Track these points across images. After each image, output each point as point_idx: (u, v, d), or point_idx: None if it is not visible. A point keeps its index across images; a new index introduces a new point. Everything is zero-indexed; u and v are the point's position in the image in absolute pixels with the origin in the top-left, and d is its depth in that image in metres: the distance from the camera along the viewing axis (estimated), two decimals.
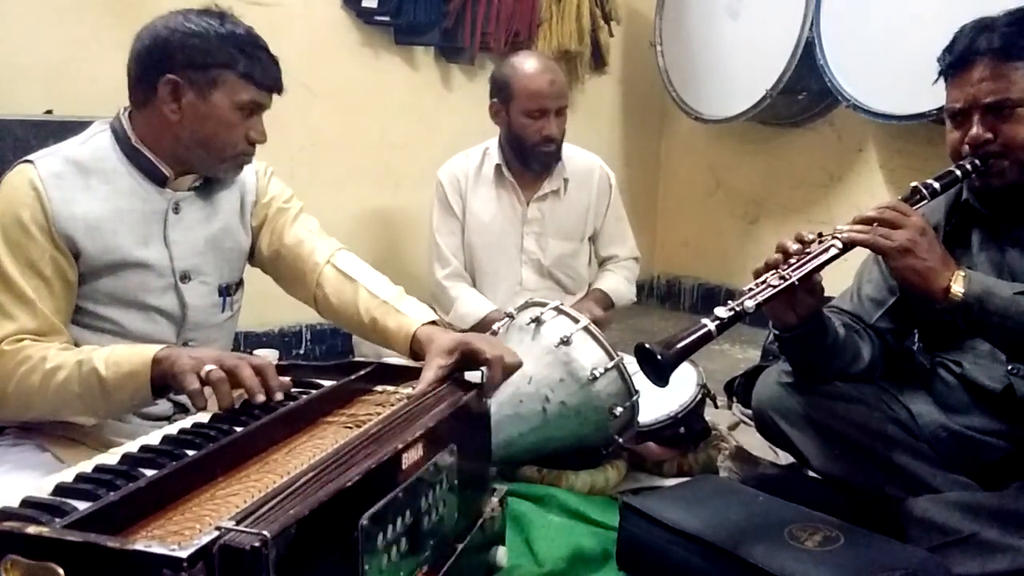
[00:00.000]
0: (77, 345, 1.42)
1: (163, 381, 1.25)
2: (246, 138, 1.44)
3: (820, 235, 1.39)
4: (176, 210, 1.47)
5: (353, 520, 0.90)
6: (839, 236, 1.36)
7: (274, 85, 1.45)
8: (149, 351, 1.26)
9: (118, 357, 1.27)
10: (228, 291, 1.57)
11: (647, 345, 1.25)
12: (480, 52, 3.12)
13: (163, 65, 1.37)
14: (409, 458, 1.02)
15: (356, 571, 0.90)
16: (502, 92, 2.30)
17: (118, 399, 1.28)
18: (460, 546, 1.17)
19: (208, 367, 1.19)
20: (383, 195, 3.03)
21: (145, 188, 1.44)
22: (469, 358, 1.32)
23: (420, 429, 1.07)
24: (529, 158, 2.31)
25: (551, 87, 2.26)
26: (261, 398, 1.18)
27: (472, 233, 2.41)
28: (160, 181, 1.44)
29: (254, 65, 1.40)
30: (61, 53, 2.27)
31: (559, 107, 2.27)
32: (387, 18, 2.86)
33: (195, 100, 1.38)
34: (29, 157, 1.38)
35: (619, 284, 2.49)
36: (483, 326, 2.21)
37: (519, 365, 1.34)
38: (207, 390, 1.18)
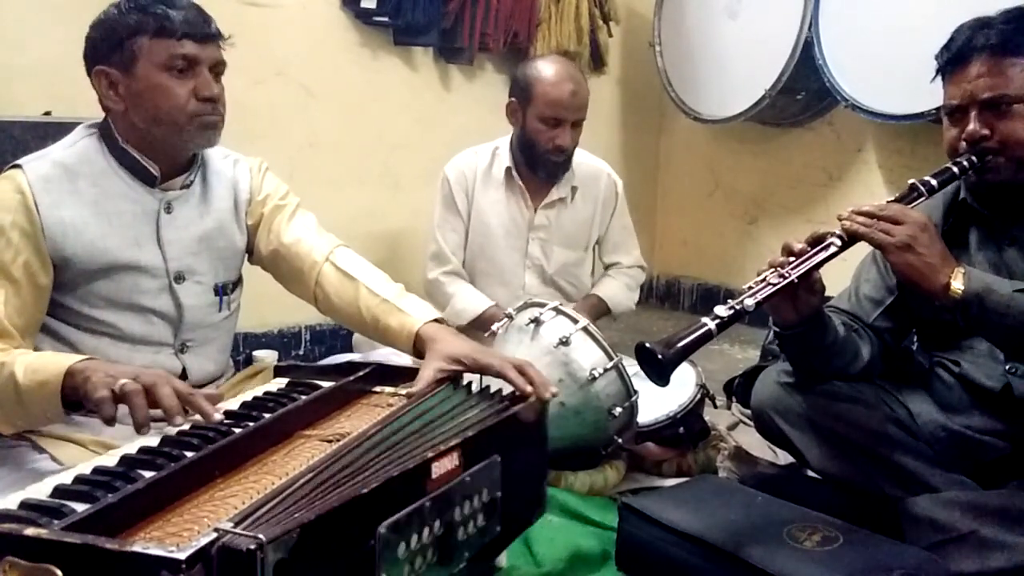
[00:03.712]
0: (75, 350, 1.42)
1: (76, 395, 1.17)
2: (196, 97, 1.39)
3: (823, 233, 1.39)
4: (168, 210, 1.46)
5: (370, 528, 0.88)
6: (841, 223, 1.36)
7: (195, 32, 1.37)
8: (66, 361, 1.19)
9: (38, 364, 1.21)
10: (225, 290, 1.56)
11: (647, 344, 1.25)
12: (479, 52, 3.11)
13: (94, 61, 1.38)
14: (441, 467, 1.01)
15: None
16: (523, 93, 2.26)
17: (31, 409, 1.22)
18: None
19: (123, 381, 1.11)
20: (382, 196, 3.02)
21: (135, 189, 1.43)
22: (477, 373, 1.32)
23: (454, 439, 1.05)
24: (537, 164, 2.29)
25: (572, 98, 2.21)
26: (179, 420, 1.11)
27: (476, 233, 2.39)
28: (150, 181, 1.44)
29: (161, 21, 1.35)
30: (59, 54, 2.25)
31: (576, 119, 2.24)
32: (386, 18, 2.85)
33: (127, 80, 1.37)
34: (18, 161, 1.39)
35: (618, 291, 2.46)
36: (480, 323, 2.20)
37: (528, 363, 1.33)
38: (120, 407, 1.10)
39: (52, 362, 1.21)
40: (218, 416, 1.14)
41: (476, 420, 1.15)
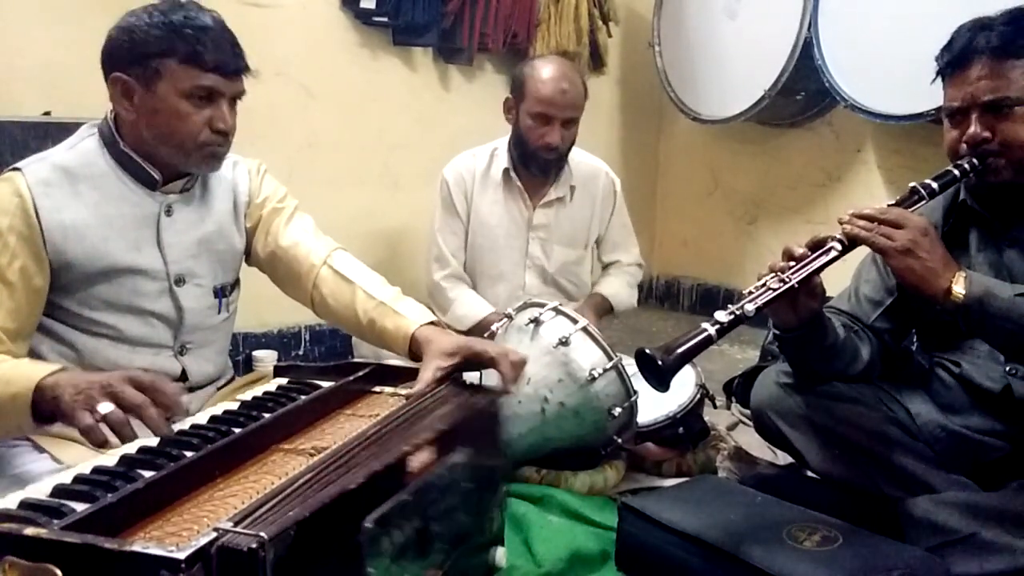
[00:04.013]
0: (75, 351, 1.42)
1: (47, 410, 1.14)
2: (210, 128, 1.38)
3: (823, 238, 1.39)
4: (168, 213, 1.46)
5: (356, 523, 0.89)
6: (841, 225, 1.37)
7: (224, 66, 1.36)
8: (37, 374, 1.15)
9: (11, 375, 1.18)
10: (224, 292, 1.56)
11: (648, 350, 1.25)
12: (478, 53, 3.12)
13: (113, 65, 1.36)
14: (418, 460, 1.02)
15: (360, 574, 0.90)
16: (517, 90, 2.28)
17: (7, 419, 1.19)
18: (463, 547, 1.17)
19: (105, 408, 1.05)
20: (381, 196, 3.03)
21: (136, 192, 1.43)
22: (472, 360, 1.32)
23: (430, 432, 1.06)
24: (529, 160, 2.30)
25: (562, 97, 2.21)
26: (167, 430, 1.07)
27: (476, 235, 2.39)
28: (151, 184, 1.44)
29: (196, 49, 1.33)
30: (59, 54, 2.26)
31: (567, 118, 2.23)
32: (385, 19, 2.85)
33: (144, 94, 1.36)
34: (18, 164, 1.38)
35: (620, 289, 2.47)
36: (481, 328, 2.20)
37: (525, 360, 1.34)
38: (104, 427, 1.05)
39: (24, 374, 1.17)
40: (176, 387, 1.11)
41: (446, 413, 1.16)
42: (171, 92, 1.35)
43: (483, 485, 1.23)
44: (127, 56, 1.35)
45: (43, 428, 1.20)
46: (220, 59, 1.36)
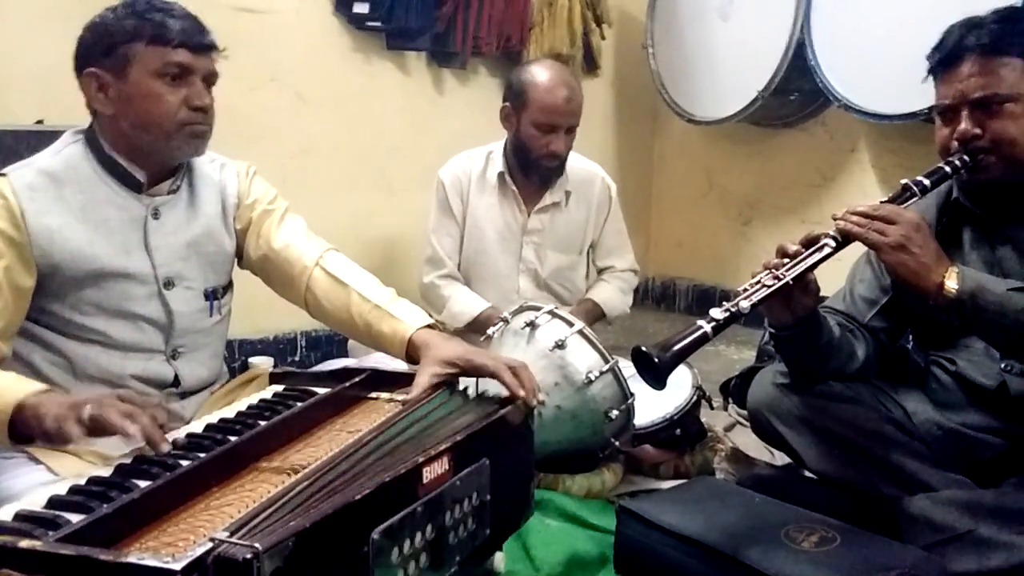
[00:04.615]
0: (66, 359, 1.41)
1: (26, 430, 1.12)
2: (187, 106, 1.39)
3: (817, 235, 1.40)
4: (156, 215, 1.46)
5: (364, 534, 0.89)
6: (835, 223, 1.37)
7: (190, 40, 1.38)
8: (19, 391, 1.14)
9: None
10: (215, 295, 1.55)
11: (643, 348, 1.25)
12: (472, 57, 3.12)
13: (84, 63, 1.39)
14: (431, 472, 1.01)
15: None
16: (517, 98, 2.26)
17: None
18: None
19: (87, 409, 1.06)
20: (376, 200, 3.03)
21: (122, 196, 1.43)
22: (472, 374, 1.31)
23: (444, 443, 1.05)
24: (531, 169, 2.29)
25: (567, 104, 2.21)
26: (165, 447, 1.07)
27: (471, 237, 2.39)
28: (136, 187, 1.44)
29: (158, 28, 1.35)
30: (52, 63, 2.23)
31: (570, 125, 2.24)
32: (379, 24, 2.85)
33: (117, 84, 1.37)
34: (3, 170, 1.38)
35: (612, 295, 2.47)
36: (477, 325, 2.20)
37: (525, 367, 1.34)
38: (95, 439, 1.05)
39: (7, 389, 1.15)
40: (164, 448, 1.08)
41: (465, 424, 1.15)
42: (143, 75, 1.36)
43: (508, 497, 1.20)
44: (96, 50, 1.37)
45: (16, 447, 1.19)
46: (185, 35, 1.37)
